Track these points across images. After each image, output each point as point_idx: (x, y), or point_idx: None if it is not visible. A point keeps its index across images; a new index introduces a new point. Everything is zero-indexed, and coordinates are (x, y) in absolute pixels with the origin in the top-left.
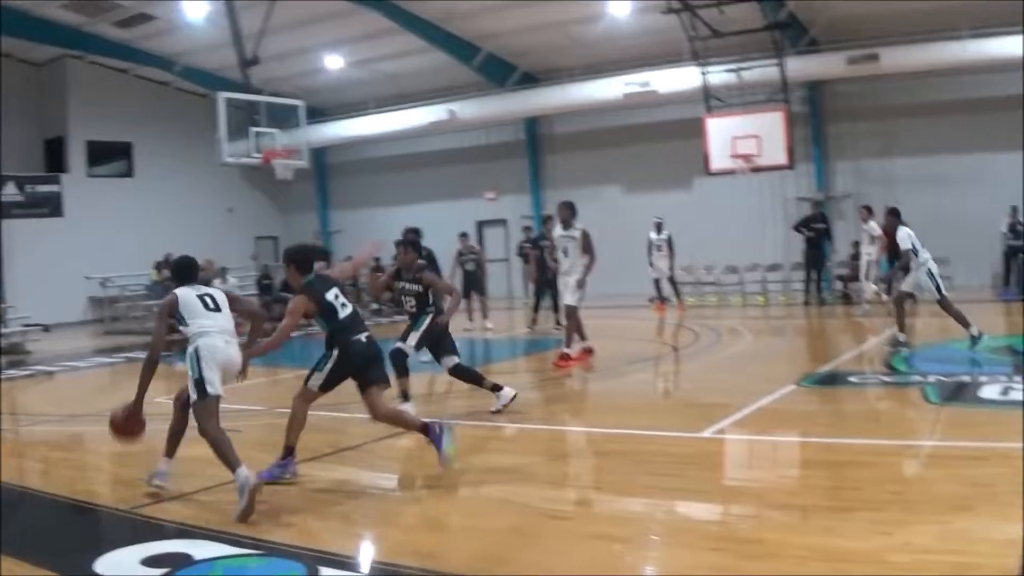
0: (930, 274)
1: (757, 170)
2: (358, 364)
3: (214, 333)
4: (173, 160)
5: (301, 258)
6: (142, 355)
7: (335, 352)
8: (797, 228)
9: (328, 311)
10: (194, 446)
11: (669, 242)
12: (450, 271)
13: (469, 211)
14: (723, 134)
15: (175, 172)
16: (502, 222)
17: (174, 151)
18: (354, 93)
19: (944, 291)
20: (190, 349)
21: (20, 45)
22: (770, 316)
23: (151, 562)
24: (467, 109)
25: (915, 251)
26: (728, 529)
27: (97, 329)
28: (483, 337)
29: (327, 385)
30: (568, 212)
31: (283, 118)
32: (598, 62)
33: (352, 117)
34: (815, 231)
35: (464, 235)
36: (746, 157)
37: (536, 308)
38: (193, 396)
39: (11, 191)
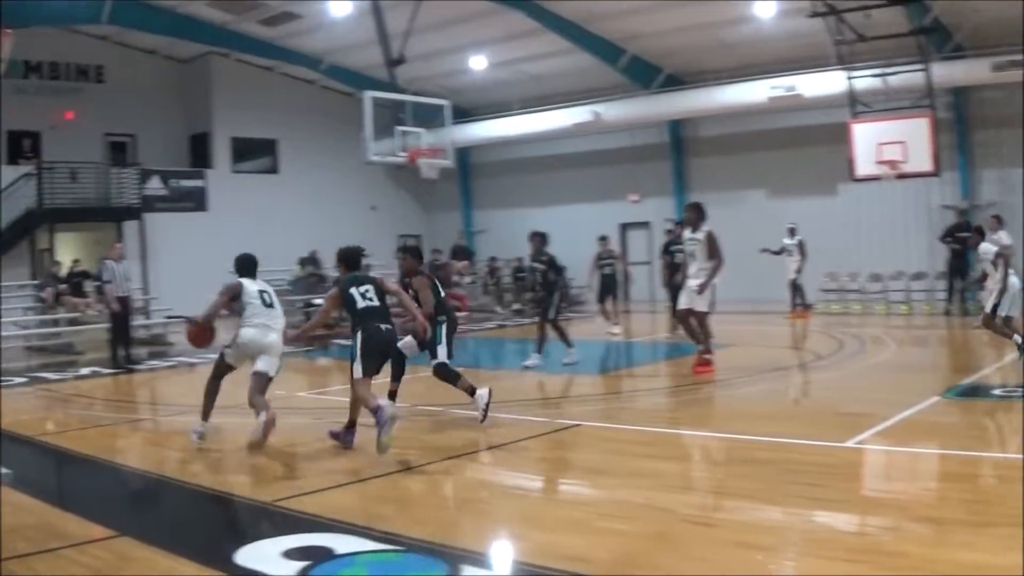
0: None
1: (902, 177)
2: (379, 345)
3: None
4: (317, 157)
5: (346, 257)
6: (285, 349)
7: (358, 337)
8: (943, 239)
9: (349, 302)
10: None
11: (801, 247)
12: (588, 275)
13: (612, 213)
14: (868, 139)
15: (319, 169)
16: (645, 224)
17: (319, 148)
18: (498, 94)
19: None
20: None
21: (166, 42)
22: (913, 326)
23: (292, 555)
24: (611, 111)
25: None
26: (870, 541)
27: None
28: (614, 341)
29: (367, 368)
30: (694, 214)
31: (428, 117)
32: (743, 65)
33: (496, 118)
34: (960, 240)
35: (603, 238)
36: (891, 163)
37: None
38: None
39: (156, 185)
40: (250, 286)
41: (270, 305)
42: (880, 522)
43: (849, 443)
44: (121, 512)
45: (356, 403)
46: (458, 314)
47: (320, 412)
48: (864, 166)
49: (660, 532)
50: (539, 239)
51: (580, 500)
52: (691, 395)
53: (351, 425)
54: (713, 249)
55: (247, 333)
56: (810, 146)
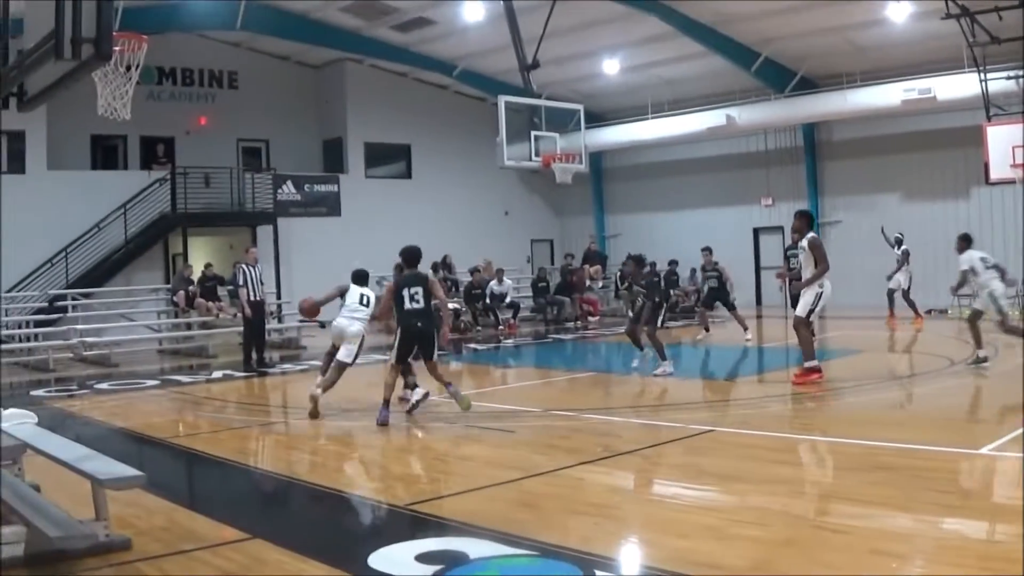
0: (991, 297)
1: None
2: (413, 340)
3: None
4: (450, 162)
5: (407, 257)
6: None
7: (399, 331)
8: None
9: (399, 300)
10: (473, 445)
11: (906, 256)
12: (698, 286)
13: (745, 217)
14: (1003, 142)
15: (452, 174)
16: (779, 229)
17: (451, 153)
18: (631, 98)
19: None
20: None
21: (299, 48)
22: None
23: (426, 559)
24: (745, 114)
25: (975, 272)
26: (1003, 549)
27: (372, 326)
28: (745, 346)
29: (400, 357)
30: (799, 222)
31: (561, 122)
32: (876, 68)
33: (629, 122)
34: None
35: (706, 250)
36: None
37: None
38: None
39: (289, 190)
40: (354, 289)
41: (365, 305)
42: (1014, 530)
43: (983, 450)
44: (253, 514)
45: (389, 384)
46: (589, 319)
47: (453, 416)
48: (998, 169)
49: (792, 538)
50: (635, 264)
51: (713, 506)
52: (822, 400)
53: (386, 403)
54: (817, 256)
55: (337, 321)
56: (944, 149)
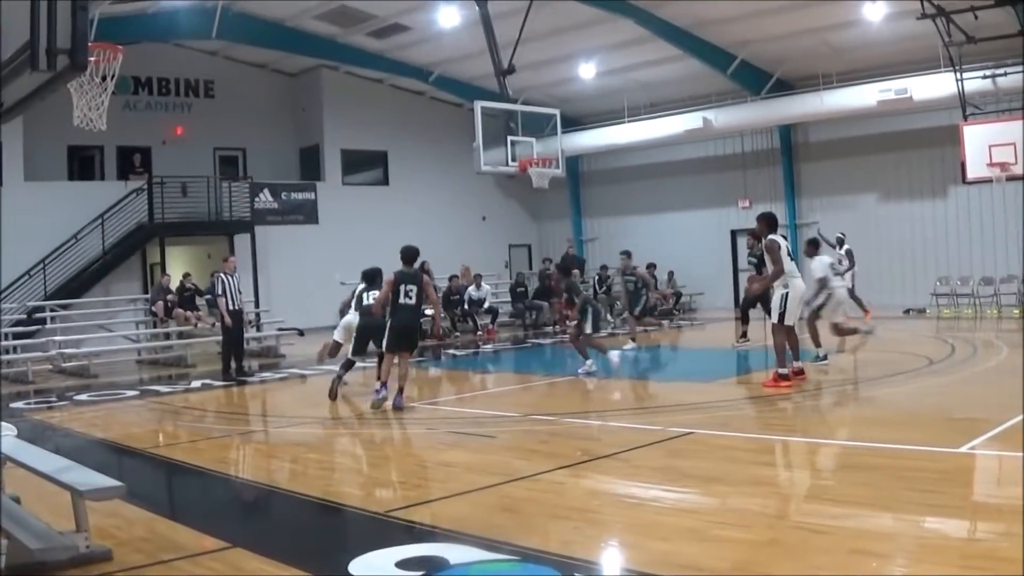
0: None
1: (1013, 179)
2: (402, 331)
3: None
4: (427, 168)
5: (405, 256)
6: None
7: (389, 323)
8: None
9: (395, 294)
10: (453, 450)
11: (850, 256)
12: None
13: (722, 219)
14: (979, 141)
15: (429, 180)
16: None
17: (428, 159)
18: (607, 101)
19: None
20: None
21: (275, 56)
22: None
23: (406, 565)
24: (722, 117)
25: (828, 279)
26: (984, 548)
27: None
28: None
29: (390, 347)
30: (759, 225)
31: (538, 127)
32: (852, 69)
33: (606, 125)
34: None
35: (625, 254)
36: (1003, 165)
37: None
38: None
39: (266, 198)
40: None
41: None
42: (995, 528)
43: (962, 448)
44: (233, 523)
45: (385, 368)
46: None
47: (433, 422)
48: (975, 168)
49: (774, 539)
50: (559, 272)
51: (693, 508)
52: (802, 402)
53: (383, 384)
54: (771, 259)
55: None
56: (920, 149)
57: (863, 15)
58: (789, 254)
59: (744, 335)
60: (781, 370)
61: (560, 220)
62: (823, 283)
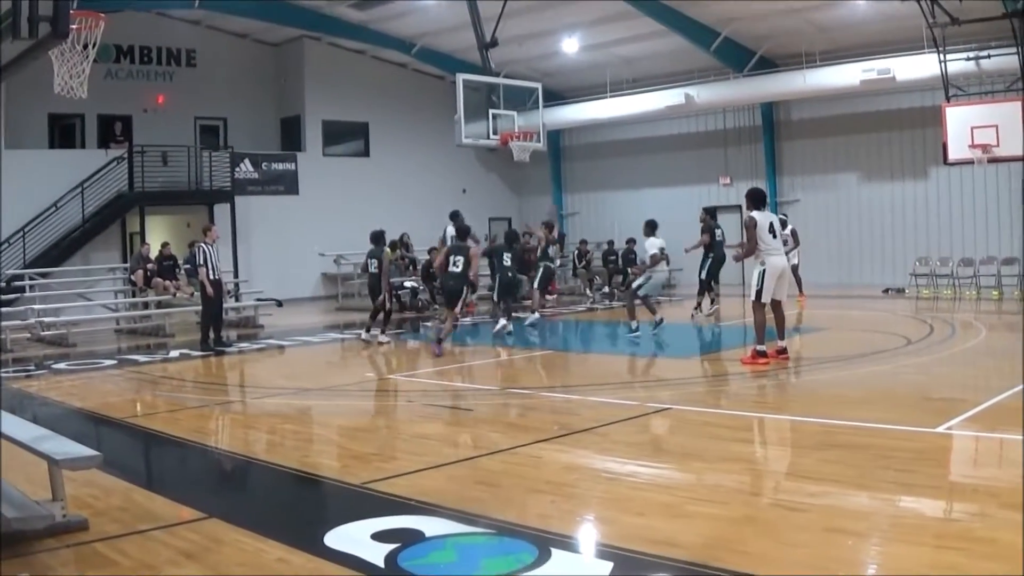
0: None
1: (994, 161)
2: (448, 293)
3: None
4: (408, 141)
5: (460, 231)
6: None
7: (439, 285)
8: None
9: (445, 263)
10: (430, 423)
11: (794, 236)
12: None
13: (702, 196)
14: (961, 123)
15: (410, 152)
16: (737, 208)
17: (409, 132)
18: (590, 76)
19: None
20: None
21: (257, 26)
22: (1004, 311)
23: (382, 537)
24: (704, 94)
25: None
26: (959, 528)
27: (329, 305)
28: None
29: (446, 304)
30: (746, 201)
31: (519, 100)
32: (836, 48)
33: (588, 100)
34: None
35: (547, 225)
36: (984, 147)
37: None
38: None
39: (247, 169)
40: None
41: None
42: (970, 508)
43: (939, 429)
44: (210, 494)
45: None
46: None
47: (411, 394)
48: (957, 150)
49: (750, 516)
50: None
51: (669, 484)
52: (780, 379)
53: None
54: (746, 235)
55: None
56: (902, 129)
57: None
58: (772, 231)
59: (698, 306)
60: (759, 347)
61: (540, 194)
62: (654, 261)
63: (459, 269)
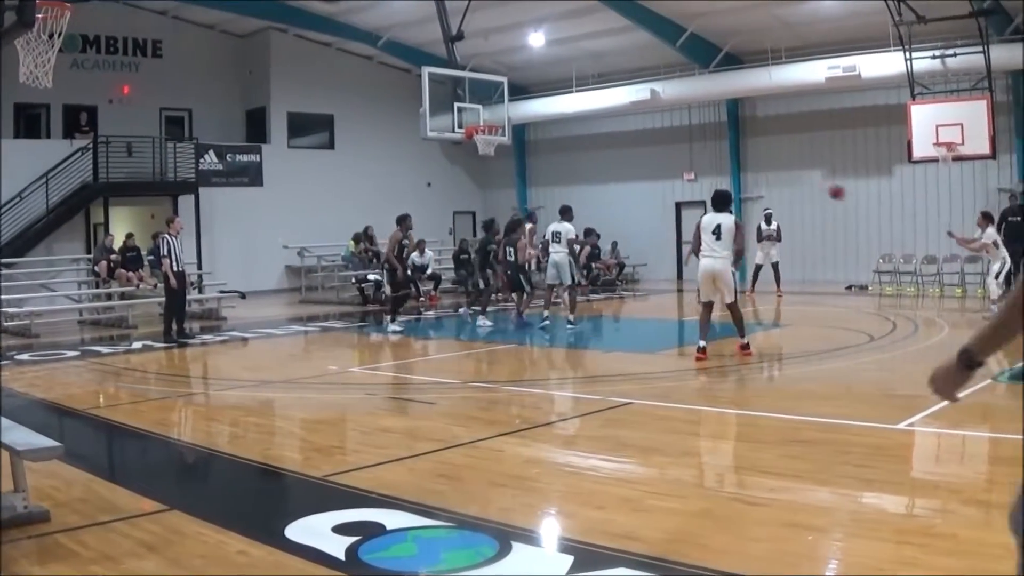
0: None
1: (959, 159)
2: (511, 278)
3: None
4: (373, 133)
5: (507, 226)
6: (337, 324)
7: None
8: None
9: (504, 252)
10: (392, 416)
11: (778, 233)
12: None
13: (667, 192)
14: (926, 121)
15: (375, 145)
16: (701, 203)
17: (375, 124)
18: (556, 71)
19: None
20: None
21: (223, 17)
22: (967, 308)
23: (343, 529)
24: (669, 89)
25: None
26: (920, 523)
27: (293, 298)
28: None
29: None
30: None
31: (485, 94)
32: (802, 45)
33: (553, 95)
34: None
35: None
36: (948, 145)
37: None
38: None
39: (211, 160)
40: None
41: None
42: (930, 504)
43: (901, 425)
44: (172, 486)
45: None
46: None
47: (373, 387)
48: (921, 148)
49: (710, 511)
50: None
51: (630, 478)
52: (743, 375)
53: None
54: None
55: None
56: (867, 127)
57: None
58: (716, 232)
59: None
60: (699, 342)
61: (505, 188)
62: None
63: (512, 257)
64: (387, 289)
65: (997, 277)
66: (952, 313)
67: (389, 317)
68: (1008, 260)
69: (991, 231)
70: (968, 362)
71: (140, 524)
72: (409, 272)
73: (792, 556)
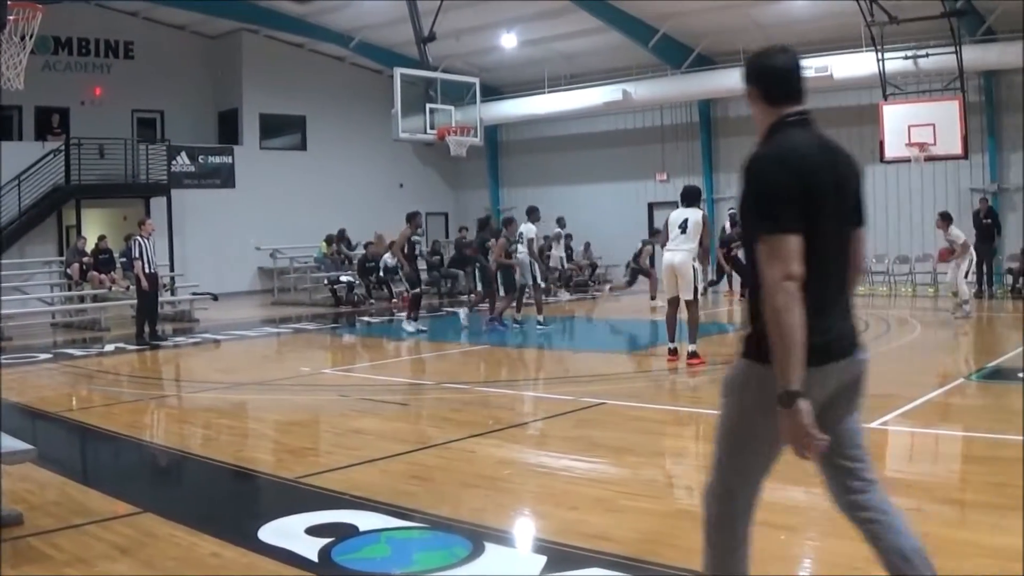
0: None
1: (931, 159)
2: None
3: None
4: (346, 134)
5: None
6: (310, 326)
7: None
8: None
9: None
10: (365, 418)
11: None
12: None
13: (639, 192)
14: (898, 121)
15: (347, 146)
16: (673, 204)
17: (347, 126)
18: (528, 72)
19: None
20: None
21: (195, 18)
22: (940, 308)
23: (316, 531)
24: (641, 90)
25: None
26: None
27: (265, 299)
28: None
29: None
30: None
31: (457, 95)
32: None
33: (526, 96)
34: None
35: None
36: (921, 146)
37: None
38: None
39: (184, 162)
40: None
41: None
42: (903, 503)
43: (874, 424)
44: (145, 488)
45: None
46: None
47: (346, 389)
48: (894, 148)
49: (683, 510)
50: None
51: (604, 478)
52: (716, 374)
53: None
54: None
55: None
56: (840, 127)
57: None
58: (682, 227)
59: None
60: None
61: (477, 189)
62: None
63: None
64: (405, 288)
65: (967, 276)
66: (924, 312)
67: (407, 316)
68: (974, 257)
69: (958, 231)
70: (793, 400)
71: (113, 527)
72: (382, 273)
73: (765, 556)
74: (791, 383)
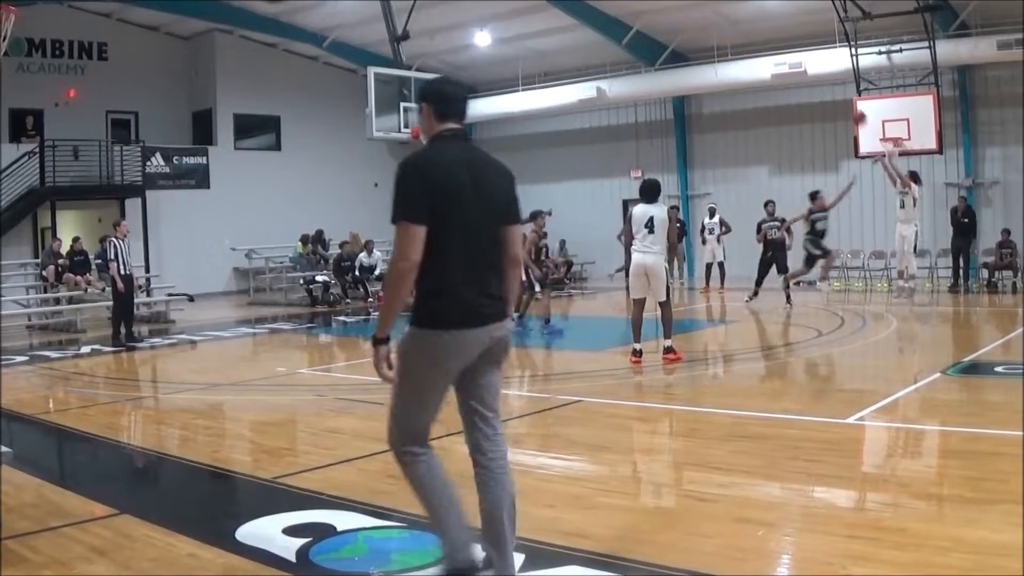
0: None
1: (906, 154)
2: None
3: None
4: (320, 134)
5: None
6: (286, 326)
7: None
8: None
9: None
10: (341, 417)
11: (723, 225)
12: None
13: (614, 189)
14: (873, 117)
15: (322, 146)
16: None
17: (321, 125)
18: (502, 70)
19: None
20: None
21: (168, 19)
22: (916, 303)
23: (293, 531)
24: (615, 87)
25: None
26: (870, 517)
27: (241, 300)
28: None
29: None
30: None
31: None
32: (748, 42)
33: (500, 94)
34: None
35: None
36: (895, 140)
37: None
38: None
39: (158, 163)
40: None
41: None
42: (880, 498)
43: (850, 419)
44: (122, 490)
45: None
46: None
47: (322, 388)
48: (868, 143)
49: (659, 507)
50: None
51: (580, 476)
52: (691, 371)
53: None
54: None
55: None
56: (814, 123)
57: None
58: (649, 225)
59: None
60: (634, 344)
61: None
62: None
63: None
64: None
65: (914, 250)
66: (900, 307)
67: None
68: (918, 228)
69: (918, 189)
70: (382, 344)
71: (90, 529)
72: (358, 272)
73: (743, 551)
74: (383, 332)
